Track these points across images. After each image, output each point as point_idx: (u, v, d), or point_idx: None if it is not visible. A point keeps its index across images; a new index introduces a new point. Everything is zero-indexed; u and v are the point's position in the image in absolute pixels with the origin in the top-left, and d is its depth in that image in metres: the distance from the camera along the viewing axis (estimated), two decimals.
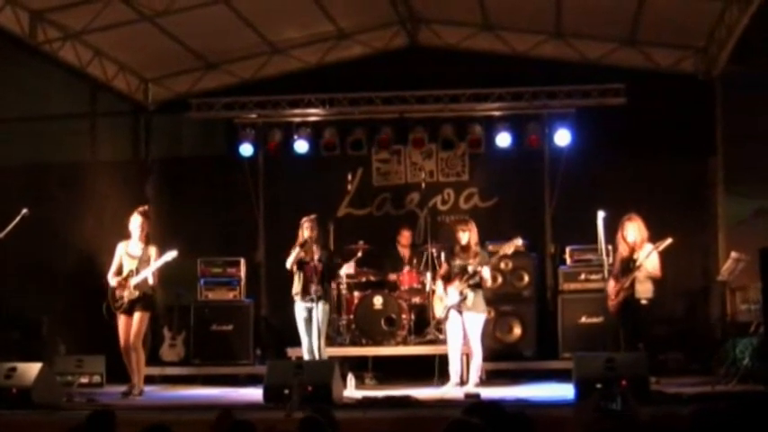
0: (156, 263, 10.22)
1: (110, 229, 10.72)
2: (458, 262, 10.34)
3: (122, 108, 13.77)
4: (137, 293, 10.20)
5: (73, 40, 11.77)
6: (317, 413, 5.65)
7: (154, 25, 11.75)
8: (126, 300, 10.20)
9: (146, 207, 10.87)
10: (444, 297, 10.39)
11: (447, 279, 10.44)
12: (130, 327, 10.22)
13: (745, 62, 11.65)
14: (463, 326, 10.26)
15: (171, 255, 10.23)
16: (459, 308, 10.25)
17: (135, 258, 10.28)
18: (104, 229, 12.14)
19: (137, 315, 10.20)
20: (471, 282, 10.17)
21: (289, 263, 10.46)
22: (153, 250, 10.33)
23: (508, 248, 10.49)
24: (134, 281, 10.18)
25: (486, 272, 10.20)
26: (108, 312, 10.25)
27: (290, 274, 10.62)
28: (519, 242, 10.52)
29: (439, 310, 10.61)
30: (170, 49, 12.56)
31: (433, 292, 11.05)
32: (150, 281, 10.25)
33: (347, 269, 12.08)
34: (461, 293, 10.19)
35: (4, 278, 11.87)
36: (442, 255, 11.21)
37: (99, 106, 13.78)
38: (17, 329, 11.97)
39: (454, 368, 10.31)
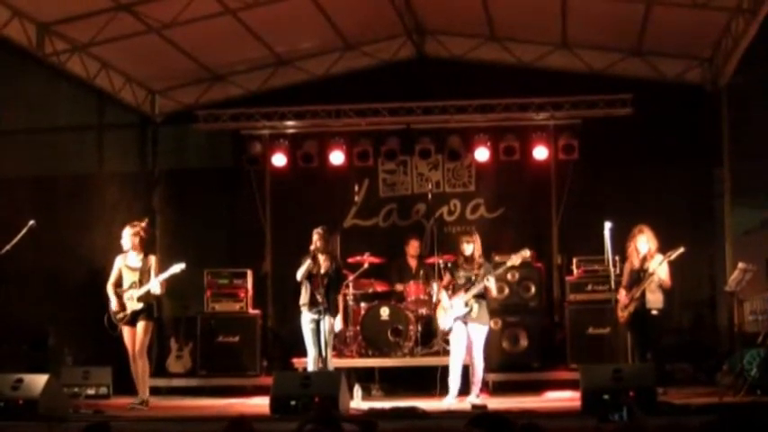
0: (163, 275, 10.16)
1: (117, 241, 10.68)
2: (462, 273, 10.32)
3: (129, 120, 13.83)
4: (140, 305, 10.17)
5: (80, 52, 11.82)
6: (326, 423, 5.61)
7: (161, 37, 11.79)
8: (129, 311, 10.17)
9: (143, 221, 10.72)
10: (449, 308, 10.35)
11: (450, 290, 10.43)
12: (135, 337, 10.19)
13: (751, 73, 11.64)
14: (468, 337, 10.25)
15: (178, 267, 10.17)
16: (465, 319, 10.24)
17: (135, 270, 10.24)
18: (111, 241, 12.09)
19: (140, 324, 10.15)
20: (476, 293, 10.16)
21: (299, 275, 10.35)
22: (153, 260, 10.29)
23: (516, 260, 10.41)
24: (138, 293, 10.14)
25: (491, 282, 10.20)
26: (110, 324, 10.23)
27: (297, 285, 10.59)
28: (527, 253, 10.48)
29: (443, 322, 10.52)
30: (177, 60, 12.60)
31: (438, 302, 10.99)
32: (157, 291, 10.20)
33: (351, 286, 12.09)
34: (467, 305, 10.17)
35: (12, 289, 11.85)
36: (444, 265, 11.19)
37: (106, 118, 13.80)
38: (24, 341, 11.98)
39: (454, 379, 10.27)
